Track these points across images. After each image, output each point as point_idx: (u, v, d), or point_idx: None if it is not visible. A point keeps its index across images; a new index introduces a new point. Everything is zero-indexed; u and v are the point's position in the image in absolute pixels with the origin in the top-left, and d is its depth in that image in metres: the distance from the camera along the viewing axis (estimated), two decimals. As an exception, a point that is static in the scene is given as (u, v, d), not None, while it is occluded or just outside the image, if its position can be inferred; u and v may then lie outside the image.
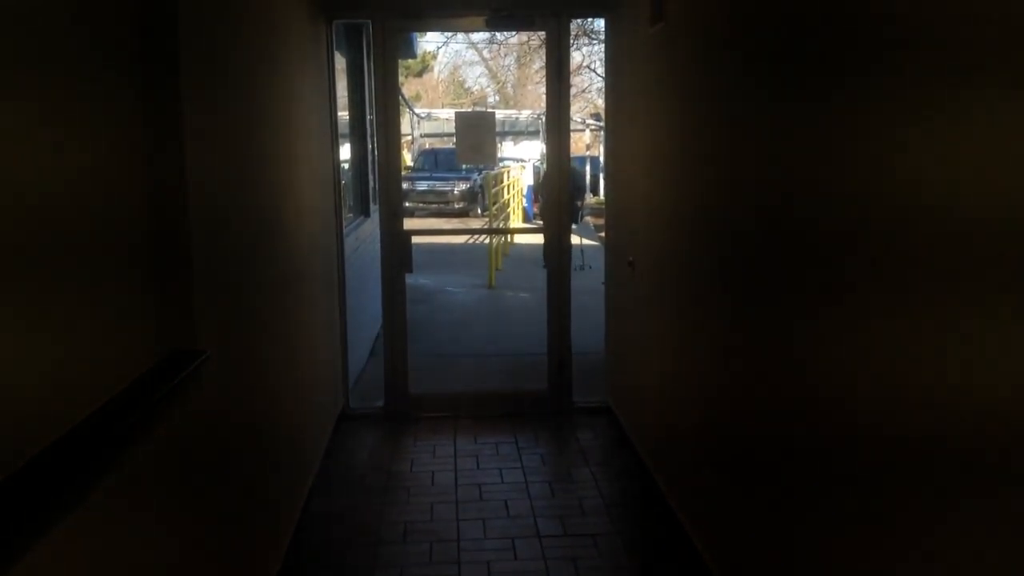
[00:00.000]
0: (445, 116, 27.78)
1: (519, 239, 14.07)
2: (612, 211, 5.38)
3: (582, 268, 7.18)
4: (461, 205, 19.42)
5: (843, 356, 2.10)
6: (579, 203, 11.27)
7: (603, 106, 5.43)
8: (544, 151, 12.19)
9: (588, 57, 25.03)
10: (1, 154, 1.44)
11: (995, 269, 1.49)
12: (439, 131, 27.34)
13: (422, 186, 19.45)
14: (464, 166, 19.71)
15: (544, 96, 5.88)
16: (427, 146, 24.78)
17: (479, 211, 19.15)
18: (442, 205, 19.54)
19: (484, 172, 19.73)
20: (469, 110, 29.64)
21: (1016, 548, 1.45)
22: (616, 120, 5.10)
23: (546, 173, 10.97)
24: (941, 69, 1.66)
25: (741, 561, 2.96)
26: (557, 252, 5.35)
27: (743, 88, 2.85)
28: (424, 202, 19.16)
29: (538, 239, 5.55)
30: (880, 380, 1.91)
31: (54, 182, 1.62)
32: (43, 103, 1.59)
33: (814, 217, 2.27)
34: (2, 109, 1.45)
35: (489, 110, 31.96)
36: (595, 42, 22.89)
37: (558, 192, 5.30)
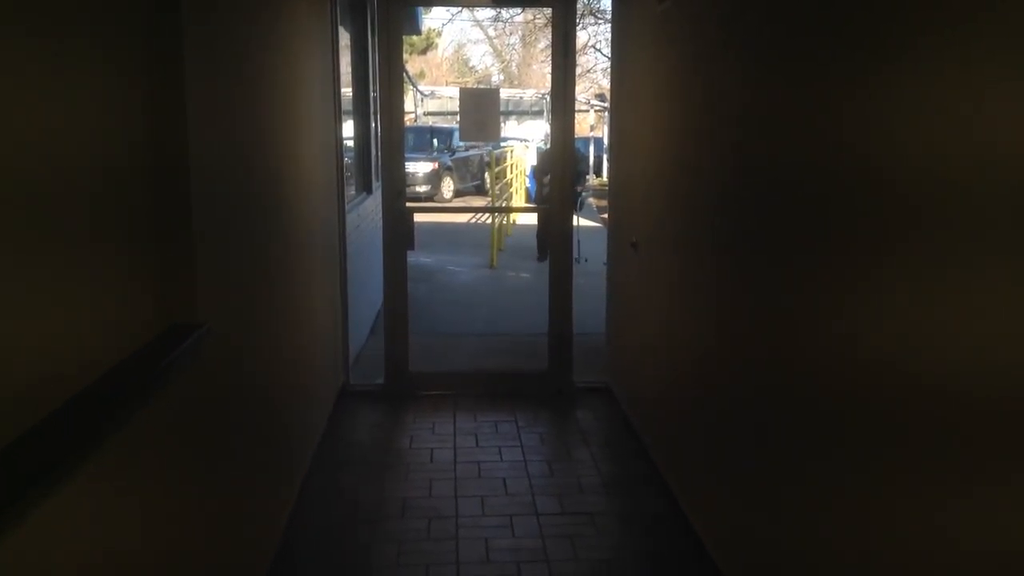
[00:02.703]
0: (449, 94, 27.64)
1: (521, 220, 14.04)
2: (616, 192, 5.36)
3: (578, 261, 7.14)
4: (425, 189, 18.17)
5: (846, 331, 2.09)
6: (580, 188, 10.99)
7: (608, 87, 5.40)
8: (548, 131, 11.96)
9: (594, 37, 24.88)
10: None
11: (992, 229, 1.49)
12: (443, 109, 27.22)
13: None
14: (434, 146, 19.34)
15: (548, 76, 5.85)
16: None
17: (445, 195, 18.67)
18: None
19: (455, 153, 19.47)
20: (473, 87, 29.46)
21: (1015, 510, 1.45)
22: (622, 100, 5.06)
23: (544, 155, 10.87)
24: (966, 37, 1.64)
25: (736, 537, 2.98)
26: (559, 233, 5.33)
27: (751, 65, 2.83)
28: None
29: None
30: (881, 354, 1.90)
31: (54, 148, 1.61)
32: (42, 63, 1.58)
33: (823, 193, 2.25)
34: None
35: (493, 87, 31.83)
36: (600, 22, 22.74)
37: (562, 172, 5.27)
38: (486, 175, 19.75)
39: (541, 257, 10.64)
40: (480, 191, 19.74)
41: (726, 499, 3.11)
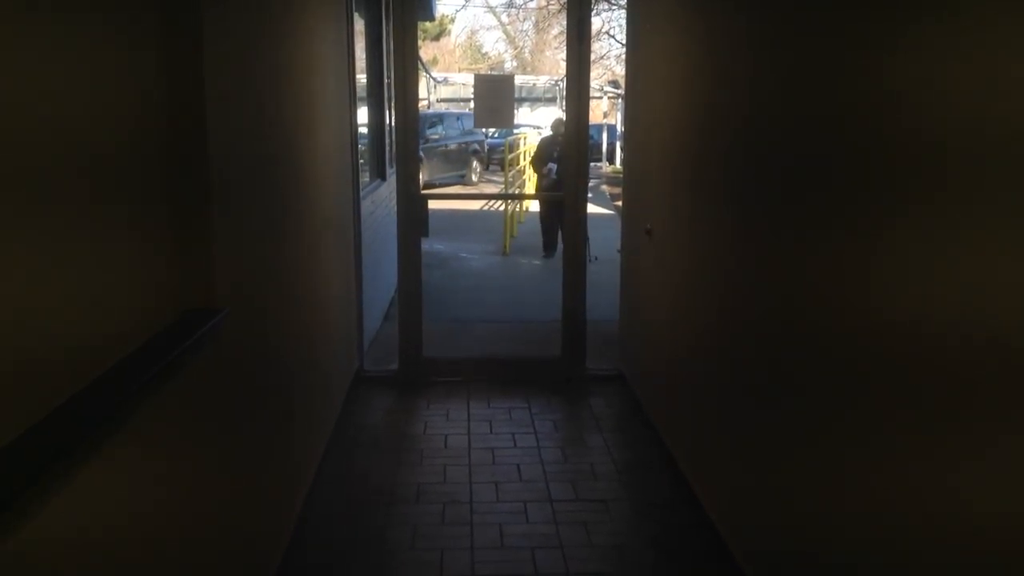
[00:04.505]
0: (462, 81, 27.58)
1: (534, 207, 14.03)
2: (631, 179, 5.34)
3: (591, 260, 6.90)
4: None
5: (864, 310, 2.09)
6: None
7: (621, 73, 5.37)
8: (557, 117, 11.71)
9: (607, 23, 24.75)
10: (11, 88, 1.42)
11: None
12: (456, 96, 27.16)
13: None
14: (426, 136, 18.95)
15: (562, 62, 5.82)
16: None
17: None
18: None
19: (427, 141, 19.05)
20: (487, 73, 29.33)
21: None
22: (637, 86, 5.04)
23: (544, 144, 10.52)
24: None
25: (750, 522, 2.98)
26: (573, 220, 5.32)
27: (767, 47, 2.81)
28: None
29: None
30: (899, 329, 1.90)
31: (68, 125, 1.62)
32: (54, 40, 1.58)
33: (838, 175, 2.24)
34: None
35: (508, 73, 31.73)
36: (615, 7, 22.62)
37: (577, 158, 5.26)
38: (474, 164, 19.44)
39: (548, 253, 10.13)
40: (465, 182, 18.80)
41: (740, 485, 3.11)
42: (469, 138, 19.48)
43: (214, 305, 2.22)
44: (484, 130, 21.85)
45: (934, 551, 1.77)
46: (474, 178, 19.15)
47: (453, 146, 18.99)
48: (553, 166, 9.67)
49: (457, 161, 18.96)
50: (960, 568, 1.67)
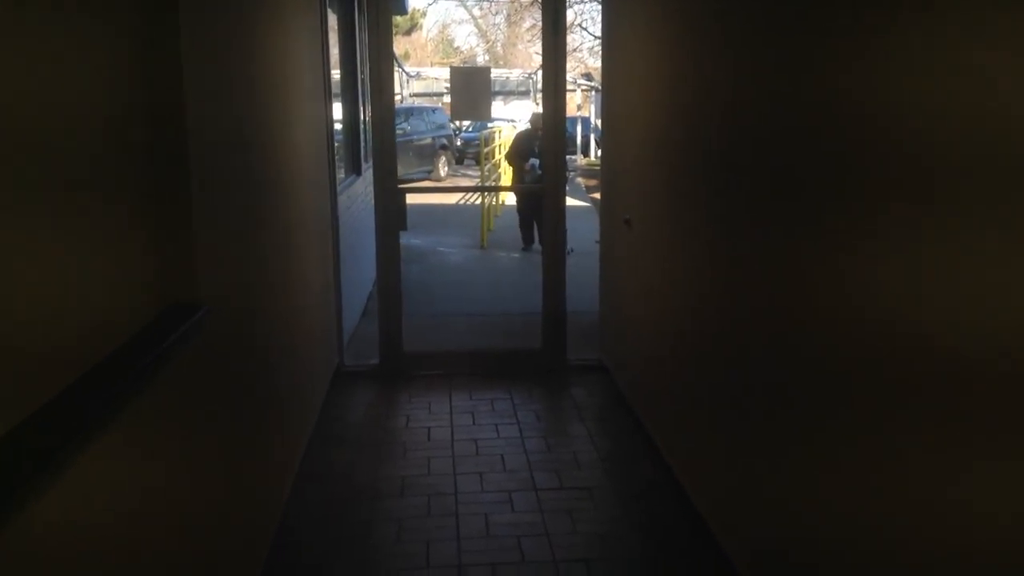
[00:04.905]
0: (435, 75, 27.51)
1: (511, 200, 14.04)
2: (608, 170, 5.37)
3: (568, 252, 6.82)
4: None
5: (841, 298, 2.12)
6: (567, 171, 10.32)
7: (594, 66, 5.39)
8: (528, 112, 11.66)
9: (580, 15, 24.78)
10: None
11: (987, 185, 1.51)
12: (429, 90, 27.08)
13: None
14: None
15: (534, 56, 5.85)
16: None
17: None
18: None
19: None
20: (464, 65, 29.21)
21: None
22: (613, 77, 5.06)
23: (521, 138, 10.46)
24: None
25: (732, 506, 3.02)
26: (552, 212, 5.33)
27: (743, 36, 2.84)
28: None
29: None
30: (877, 316, 1.93)
31: (44, 114, 1.61)
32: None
33: (816, 164, 2.28)
34: None
35: (484, 66, 31.67)
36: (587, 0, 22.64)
37: (555, 151, 5.27)
38: (441, 160, 19.23)
39: (525, 246, 10.20)
40: (433, 178, 18.43)
41: (721, 469, 3.15)
42: (437, 133, 19.23)
43: (195, 301, 2.22)
44: (456, 125, 21.74)
45: (919, 537, 1.80)
46: (442, 174, 18.95)
47: (423, 141, 18.64)
48: (536, 161, 9.68)
49: (424, 157, 18.59)
50: (945, 560, 1.71)
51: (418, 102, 24.13)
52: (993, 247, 1.53)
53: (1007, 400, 1.49)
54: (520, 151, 10.26)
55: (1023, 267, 1.45)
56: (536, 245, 9.69)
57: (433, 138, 18.93)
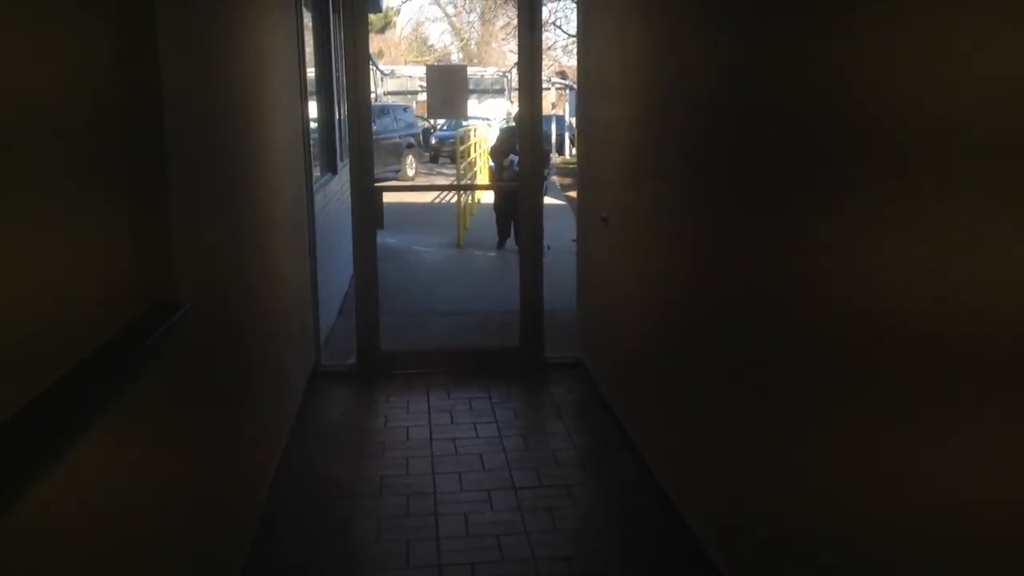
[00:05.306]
0: (409, 73, 27.42)
1: (487, 199, 14.04)
2: (585, 168, 5.38)
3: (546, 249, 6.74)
4: None
5: (817, 294, 2.15)
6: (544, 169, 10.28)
7: (569, 64, 5.41)
8: (513, 110, 11.65)
9: (554, 14, 24.82)
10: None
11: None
12: (403, 88, 26.99)
13: None
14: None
15: (508, 54, 5.84)
16: None
17: None
18: None
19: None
20: (440, 63, 29.11)
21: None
22: (589, 74, 5.07)
23: (504, 135, 10.48)
24: None
25: (709, 499, 3.04)
26: (529, 210, 5.34)
27: (719, 27, 2.86)
28: None
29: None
30: (853, 311, 1.96)
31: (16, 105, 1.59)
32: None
33: (796, 155, 2.30)
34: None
35: (460, 64, 31.63)
36: (560, -2, 22.67)
37: (530, 149, 5.28)
38: (408, 160, 19.11)
39: (501, 244, 10.20)
40: (400, 177, 18.23)
41: (698, 463, 3.18)
42: (405, 132, 19.09)
43: (174, 300, 2.20)
44: (431, 123, 21.64)
45: (895, 530, 1.83)
46: (409, 173, 18.87)
47: (391, 140, 18.34)
48: (514, 158, 9.69)
49: (390, 156, 18.29)
50: (924, 545, 1.74)
51: (392, 100, 24.02)
52: (955, 230, 1.57)
53: (969, 378, 1.53)
54: (503, 148, 10.34)
55: (985, 250, 1.48)
56: (511, 243, 9.71)
57: (400, 137, 18.80)
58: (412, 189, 15.23)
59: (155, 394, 2.09)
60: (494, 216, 10.46)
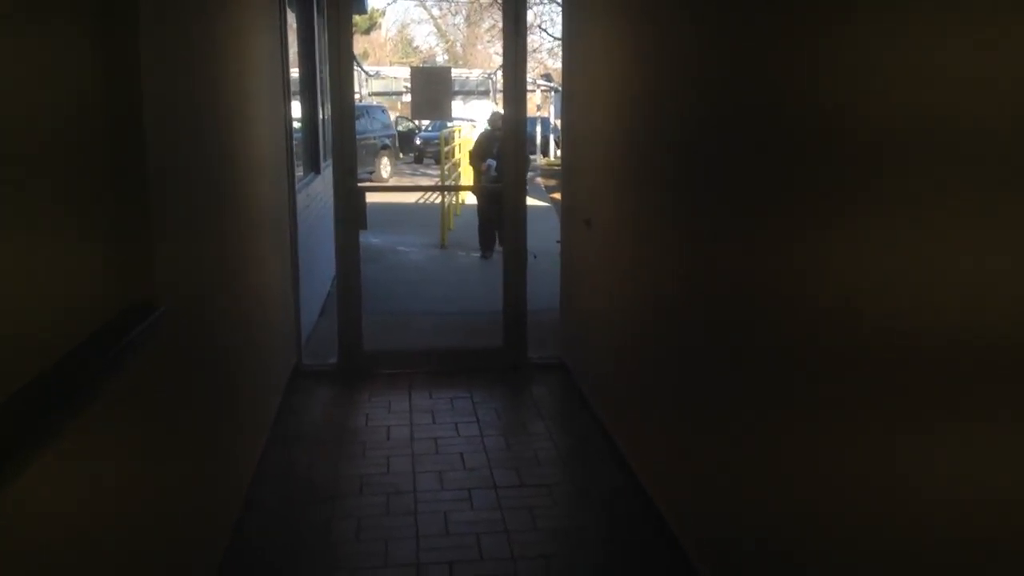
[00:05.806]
0: (393, 75, 27.39)
1: (471, 199, 14.03)
2: (569, 170, 5.40)
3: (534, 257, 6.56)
4: None
5: (798, 297, 2.18)
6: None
7: (554, 67, 5.43)
8: (489, 113, 11.57)
9: (539, 16, 24.86)
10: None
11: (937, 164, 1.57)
12: (388, 89, 26.95)
13: None
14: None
15: (494, 56, 5.86)
16: None
17: None
18: None
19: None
20: (425, 65, 29.09)
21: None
22: (574, 76, 5.10)
23: (483, 138, 10.30)
24: None
25: (690, 501, 3.07)
26: (513, 211, 5.35)
27: (704, 29, 2.88)
28: None
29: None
30: (834, 314, 1.98)
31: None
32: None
33: (779, 157, 2.33)
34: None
35: (445, 65, 31.61)
36: (546, 1, 22.73)
37: (515, 151, 5.30)
38: (383, 161, 18.97)
39: (485, 254, 9.71)
40: (375, 178, 18.02)
41: (679, 467, 3.20)
42: (382, 133, 18.94)
43: (152, 301, 2.19)
44: (416, 124, 21.57)
45: (878, 532, 1.85)
46: (384, 174, 18.75)
47: (366, 140, 17.91)
48: (492, 162, 9.62)
49: (368, 155, 18.13)
50: (914, 557, 1.76)
51: (376, 101, 23.95)
52: (938, 231, 1.58)
53: (948, 379, 1.55)
54: (480, 152, 10.13)
55: (965, 247, 1.51)
56: (497, 250, 9.31)
57: (375, 138, 18.62)
58: (396, 190, 15.21)
59: (127, 397, 2.08)
60: (477, 222, 10.01)
